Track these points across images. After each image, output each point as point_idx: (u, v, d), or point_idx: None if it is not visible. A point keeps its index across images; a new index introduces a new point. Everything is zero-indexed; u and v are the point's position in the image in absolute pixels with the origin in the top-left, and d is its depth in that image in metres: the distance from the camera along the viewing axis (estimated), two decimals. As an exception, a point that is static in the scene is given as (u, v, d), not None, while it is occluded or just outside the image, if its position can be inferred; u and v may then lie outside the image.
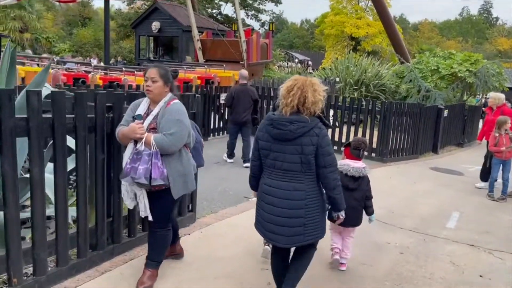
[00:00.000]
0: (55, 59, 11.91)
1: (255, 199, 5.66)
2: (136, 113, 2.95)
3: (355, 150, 3.86)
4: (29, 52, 20.72)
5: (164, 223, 3.16)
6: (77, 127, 3.09)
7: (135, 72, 12.10)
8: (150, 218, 3.07)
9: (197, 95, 4.59)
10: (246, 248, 4.13)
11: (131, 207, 3.18)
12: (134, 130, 2.88)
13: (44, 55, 17.24)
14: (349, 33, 33.74)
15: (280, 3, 39.07)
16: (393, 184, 7.39)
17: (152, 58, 22.84)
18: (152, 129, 2.95)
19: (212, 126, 10.15)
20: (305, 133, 2.70)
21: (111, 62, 24.08)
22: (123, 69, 12.33)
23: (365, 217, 3.89)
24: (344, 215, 3.01)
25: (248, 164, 7.41)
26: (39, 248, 2.91)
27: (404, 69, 15.52)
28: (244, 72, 8.00)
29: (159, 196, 3.04)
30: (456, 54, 15.31)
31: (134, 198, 3.07)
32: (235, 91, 7.71)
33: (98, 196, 3.38)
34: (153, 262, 3.20)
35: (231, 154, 7.91)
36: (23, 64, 11.09)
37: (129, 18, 30.36)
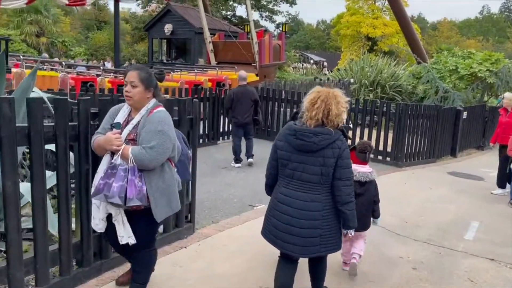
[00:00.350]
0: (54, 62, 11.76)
1: (260, 207, 5.42)
2: (115, 121, 2.65)
3: (361, 154, 3.76)
4: (45, 56, 20.91)
5: (148, 246, 2.85)
6: (57, 135, 2.87)
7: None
8: (132, 242, 2.69)
9: (194, 99, 4.35)
10: (246, 263, 3.86)
11: (101, 230, 2.75)
12: (110, 140, 2.55)
13: (55, 59, 17.32)
14: (365, 33, 33.30)
15: (295, 4, 38.76)
16: (408, 190, 7.03)
17: (165, 61, 22.78)
18: (131, 140, 2.60)
19: (221, 130, 9.94)
20: (328, 145, 2.70)
21: (125, 65, 24.16)
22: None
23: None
24: (353, 233, 2.91)
25: (252, 160, 7.69)
26: (15, 267, 2.69)
27: (421, 70, 15.09)
28: (243, 73, 7.91)
29: (138, 219, 2.67)
30: (476, 53, 14.81)
31: (106, 220, 2.70)
32: (234, 93, 7.67)
33: (83, 209, 3.16)
34: (138, 284, 2.91)
35: (237, 159, 7.71)
36: (31, 68, 11.06)
37: (143, 21, 30.43)
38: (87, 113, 3.06)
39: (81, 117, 3.02)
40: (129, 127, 2.64)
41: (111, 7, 41.61)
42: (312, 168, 2.72)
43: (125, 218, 2.65)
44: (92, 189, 2.62)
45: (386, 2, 30.20)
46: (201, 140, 9.33)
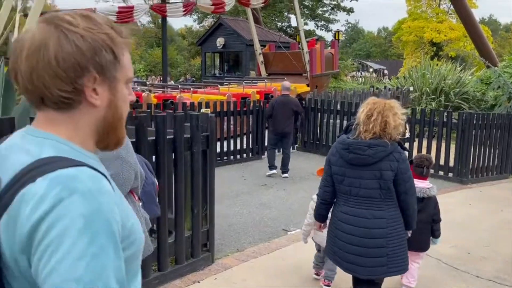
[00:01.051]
0: None
1: (294, 232, 4.87)
2: None
3: (418, 168, 3.55)
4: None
5: None
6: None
7: (191, 89, 11.84)
8: None
9: (210, 114, 3.91)
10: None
11: None
12: None
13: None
14: (428, 38, 31.54)
15: (352, 11, 37.66)
16: (473, 213, 6.07)
17: (217, 74, 22.87)
18: None
19: (266, 143, 9.48)
20: (383, 158, 2.61)
21: (181, 80, 24.65)
22: (179, 86, 12.15)
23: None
24: (410, 234, 2.87)
25: (287, 175, 7.54)
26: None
27: (491, 74, 13.69)
28: (286, 83, 7.94)
29: None
30: (556, 54, 13.18)
31: None
32: (276, 101, 7.72)
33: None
34: None
35: (272, 166, 7.59)
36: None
37: (199, 36, 31.03)
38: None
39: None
40: None
41: (171, 24, 43.16)
42: (369, 183, 2.63)
43: None
44: None
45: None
46: (244, 155, 9.03)
